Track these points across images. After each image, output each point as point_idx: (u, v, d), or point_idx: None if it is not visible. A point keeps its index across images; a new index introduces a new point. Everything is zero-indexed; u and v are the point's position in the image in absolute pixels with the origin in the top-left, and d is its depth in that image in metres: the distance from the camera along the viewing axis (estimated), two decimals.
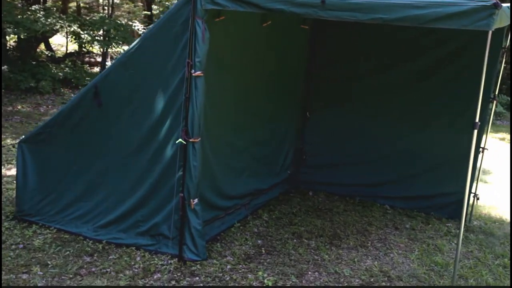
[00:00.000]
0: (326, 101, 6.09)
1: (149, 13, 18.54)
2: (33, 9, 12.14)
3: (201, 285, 3.90)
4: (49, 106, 11.45)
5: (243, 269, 4.19)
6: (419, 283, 4.13)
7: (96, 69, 15.33)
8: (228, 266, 4.23)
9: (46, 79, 12.27)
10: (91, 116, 4.51)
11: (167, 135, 4.20)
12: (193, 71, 3.90)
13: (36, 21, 11.56)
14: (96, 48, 14.93)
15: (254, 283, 3.97)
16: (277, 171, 5.98)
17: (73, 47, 18.13)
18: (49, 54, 14.37)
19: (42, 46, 15.38)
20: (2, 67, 11.36)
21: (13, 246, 4.38)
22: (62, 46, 18.80)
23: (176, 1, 3.90)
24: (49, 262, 4.13)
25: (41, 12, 12.03)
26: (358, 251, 4.67)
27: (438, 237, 5.12)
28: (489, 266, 4.56)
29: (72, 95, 12.72)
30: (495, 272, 4.45)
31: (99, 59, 16.22)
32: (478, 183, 5.52)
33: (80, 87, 13.28)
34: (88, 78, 13.56)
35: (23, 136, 5.02)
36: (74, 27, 12.35)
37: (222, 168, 4.87)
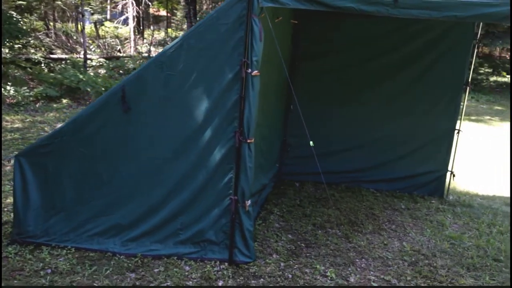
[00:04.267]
0: (307, 93, 6.22)
1: None
2: None
3: (276, 285, 3.87)
4: None
5: (297, 265, 4.22)
6: (452, 257, 4.53)
7: None
8: (282, 264, 4.22)
9: None
10: (115, 122, 4.14)
11: (214, 137, 4.02)
12: (249, 70, 3.80)
13: None
14: None
15: (318, 277, 4.03)
16: (271, 164, 6.01)
17: None
18: None
19: None
20: None
21: (42, 272, 3.89)
22: None
23: None
24: (95, 284, 3.77)
25: None
26: (381, 234, 4.94)
27: (433, 213, 5.62)
28: (491, 235, 5.13)
29: None
30: (499, 239, 5.02)
31: None
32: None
33: None
34: None
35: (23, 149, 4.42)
36: None
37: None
